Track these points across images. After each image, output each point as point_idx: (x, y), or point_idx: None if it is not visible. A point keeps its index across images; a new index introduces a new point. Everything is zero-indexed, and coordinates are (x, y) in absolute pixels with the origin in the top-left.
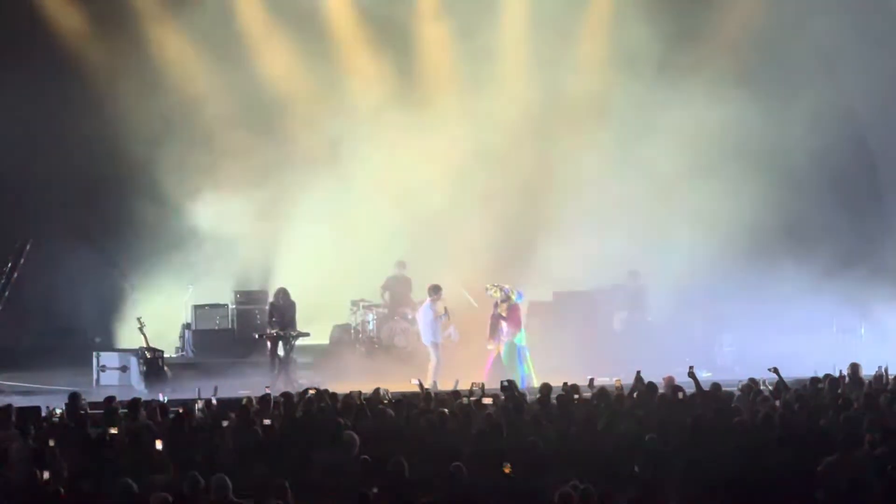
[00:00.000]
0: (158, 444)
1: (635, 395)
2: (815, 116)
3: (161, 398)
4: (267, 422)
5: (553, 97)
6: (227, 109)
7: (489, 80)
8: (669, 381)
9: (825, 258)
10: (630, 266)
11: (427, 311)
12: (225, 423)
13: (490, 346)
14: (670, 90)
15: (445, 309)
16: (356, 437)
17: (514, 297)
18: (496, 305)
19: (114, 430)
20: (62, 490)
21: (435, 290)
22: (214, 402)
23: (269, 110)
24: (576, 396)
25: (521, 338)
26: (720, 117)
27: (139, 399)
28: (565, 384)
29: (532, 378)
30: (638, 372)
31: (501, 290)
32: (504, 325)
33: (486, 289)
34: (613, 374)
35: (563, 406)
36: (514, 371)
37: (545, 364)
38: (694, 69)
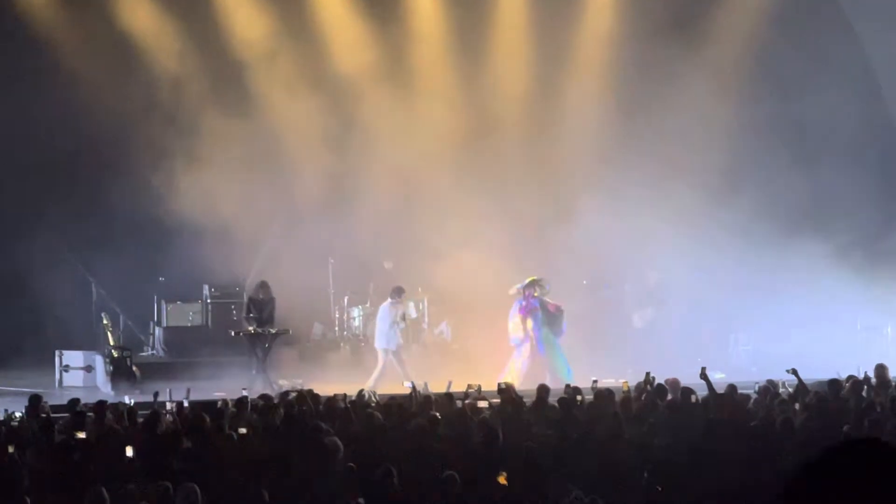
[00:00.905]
0: (129, 451)
1: (643, 397)
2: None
3: (128, 401)
4: (243, 430)
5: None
6: (204, 88)
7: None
8: (674, 384)
9: (850, 253)
10: (639, 258)
11: (385, 313)
12: (198, 428)
13: (523, 345)
14: (681, 61)
15: (404, 316)
16: (339, 443)
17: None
18: (530, 299)
19: (81, 435)
20: (27, 499)
21: (398, 293)
22: (187, 404)
23: (248, 91)
24: (578, 398)
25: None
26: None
27: (105, 402)
28: (567, 386)
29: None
30: (647, 373)
31: (538, 284)
32: (559, 316)
33: (532, 283)
34: (620, 376)
35: (564, 410)
36: (560, 365)
37: None
38: (705, 40)
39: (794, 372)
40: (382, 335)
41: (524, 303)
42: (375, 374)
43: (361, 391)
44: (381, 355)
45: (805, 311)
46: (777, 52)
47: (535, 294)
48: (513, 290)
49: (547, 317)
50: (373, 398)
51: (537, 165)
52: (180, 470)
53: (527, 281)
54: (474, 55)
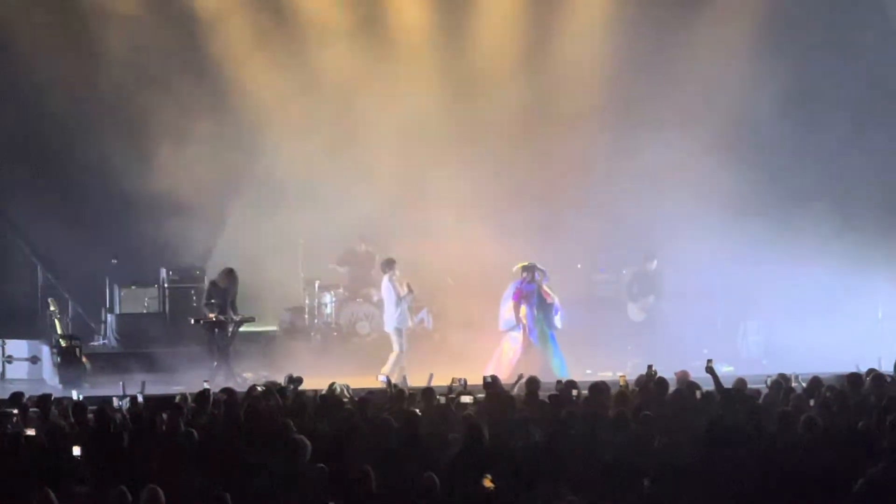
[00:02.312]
0: (76, 450)
1: (641, 392)
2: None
3: (75, 395)
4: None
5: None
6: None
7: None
8: (683, 378)
9: (868, 232)
10: (636, 244)
11: (387, 291)
12: (154, 426)
13: (514, 334)
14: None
15: (409, 286)
16: (307, 441)
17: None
18: (525, 284)
19: (31, 432)
20: None
21: (388, 265)
22: (142, 399)
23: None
24: (574, 393)
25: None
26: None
27: (50, 395)
28: (559, 382)
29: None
30: (650, 366)
31: (531, 268)
32: (554, 304)
33: (529, 267)
34: (618, 369)
35: (556, 406)
36: (553, 358)
37: None
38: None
39: (710, 369)
40: (391, 316)
41: (519, 286)
42: (392, 358)
43: (332, 385)
44: (393, 338)
45: (821, 299)
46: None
47: (531, 280)
48: (515, 268)
49: (542, 306)
50: (346, 392)
51: (530, 134)
52: (133, 471)
53: (525, 264)
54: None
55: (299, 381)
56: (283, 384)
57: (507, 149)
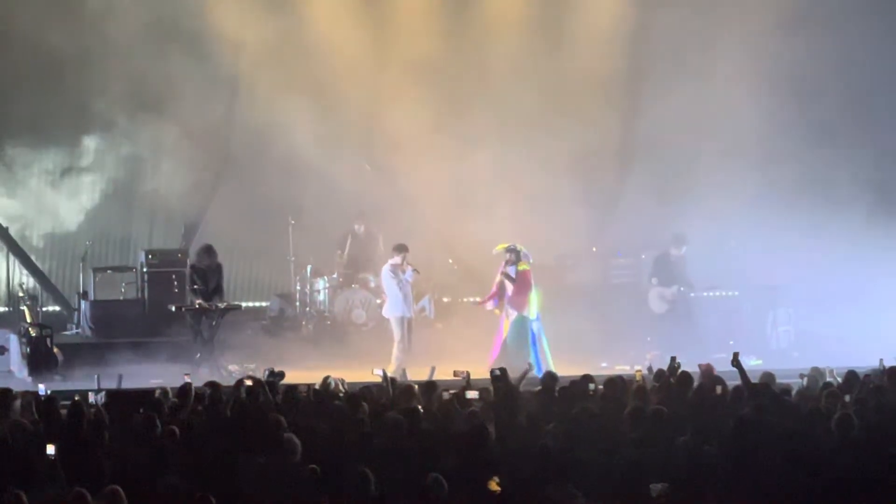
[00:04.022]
0: (50, 449)
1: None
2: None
3: (42, 390)
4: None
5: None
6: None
7: None
8: (707, 371)
9: None
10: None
11: (387, 277)
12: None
13: (497, 311)
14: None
15: (414, 269)
16: (297, 440)
17: (527, 262)
18: (503, 265)
19: None
20: None
21: (400, 249)
22: (116, 393)
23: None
24: (591, 386)
25: (534, 312)
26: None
27: (10, 390)
28: (547, 373)
29: (549, 363)
30: (673, 358)
31: (513, 249)
32: (508, 292)
33: (502, 247)
34: (636, 362)
35: (568, 402)
36: (523, 354)
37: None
38: None
39: (737, 362)
40: (395, 304)
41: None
42: (395, 351)
43: (326, 379)
44: (394, 326)
45: (855, 287)
46: None
47: (514, 262)
48: (497, 250)
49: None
50: (341, 387)
51: (549, 107)
52: (108, 472)
53: (507, 245)
54: None
55: (281, 375)
56: (262, 378)
57: (521, 133)
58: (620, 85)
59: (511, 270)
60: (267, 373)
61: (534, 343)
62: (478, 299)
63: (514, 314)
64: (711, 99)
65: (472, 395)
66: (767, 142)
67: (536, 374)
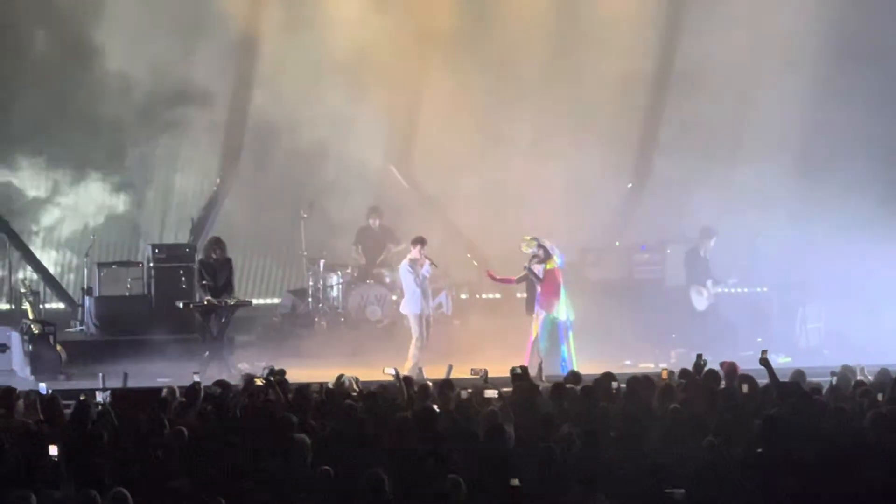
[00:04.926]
0: (53, 450)
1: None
2: None
3: (43, 389)
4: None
5: None
6: None
7: None
8: (731, 370)
9: None
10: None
11: (405, 272)
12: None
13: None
14: None
15: (432, 263)
16: (308, 441)
17: (556, 259)
18: (530, 261)
19: None
20: None
21: (417, 242)
22: (122, 392)
23: None
24: (614, 385)
25: (562, 311)
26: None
27: (14, 390)
28: (570, 372)
29: (574, 363)
30: (699, 356)
31: (541, 245)
32: (538, 292)
33: (524, 241)
34: (661, 360)
35: (590, 401)
36: (552, 356)
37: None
38: None
39: (765, 360)
40: (412, 300)
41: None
42: (412, 349)
43: (340, 377)
44: (411, 323)
45: (886, 284)
46: None
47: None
48: (527, 242)
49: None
50: (355, 386)
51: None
52: (114, 475)
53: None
54: None
55: (282, 373)
56: (263, 377)
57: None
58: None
59: (539, 270)
60: (266, 371)
61: (562, 341)
62: (496, 276)
63: (542, 314)
64: (747, 90)
65: (490, 394)
66: (802, 140)
67: (562, 373)
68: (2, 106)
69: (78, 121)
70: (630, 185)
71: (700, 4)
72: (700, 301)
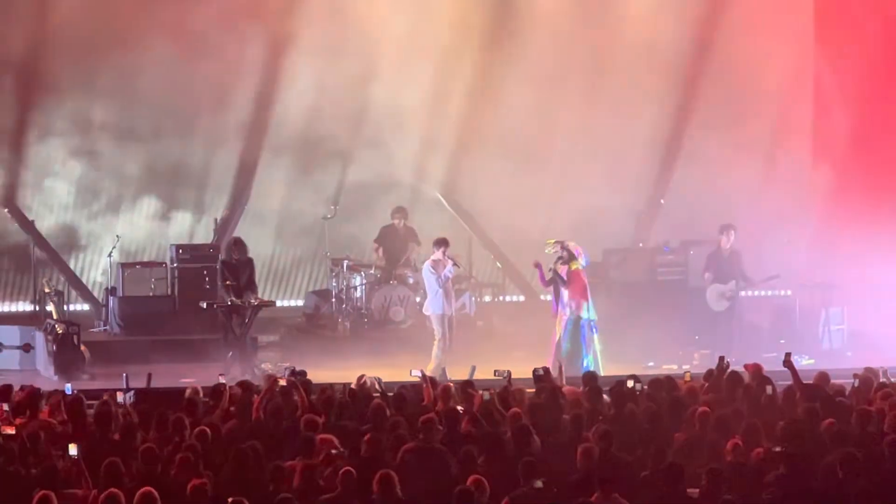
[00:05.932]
0: (73, 450)
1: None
2: None
3: (68, 389)
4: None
5: None
6: None
7: None
8: (756, 371)
9: None
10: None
11: (427, 274)
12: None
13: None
14: None
15: (455, 263)
16: (335, 440)
17: (581, 261)
18: (555, 262)
19: (10, 430)
20: None
21: (440, 244)
22: (146, 392)
23: None
24: (637, 386)
25: (589, 312)
26: None
27: (38, 390)
28: (587, 373)
29: (599, 366)
30: (721, 358)
31: (564, 247)
32: (564, 294)
33: (547, 244)
34: (684, 362)
35: (616, 404)
36: (575, 357)
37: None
38: None
39: (789, 362)
40: (435, 301)
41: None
42: (435, 349)
43: (362, 378)
44: (435, 325)
45: None
46: None
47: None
48: (551, 245)
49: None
50: (377, 387)
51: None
52: (138, 476)
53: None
54: None
55: (303, 374)
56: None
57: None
58: (668, 78)
59: (563, 271)
60: (287, 372)
61: (585, 344)
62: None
63: (566, 315)
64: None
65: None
66: (820, 138)
67: (574, 361)
68: None
69: None
70: (662, 200)
71: None
72: (718, 302)
